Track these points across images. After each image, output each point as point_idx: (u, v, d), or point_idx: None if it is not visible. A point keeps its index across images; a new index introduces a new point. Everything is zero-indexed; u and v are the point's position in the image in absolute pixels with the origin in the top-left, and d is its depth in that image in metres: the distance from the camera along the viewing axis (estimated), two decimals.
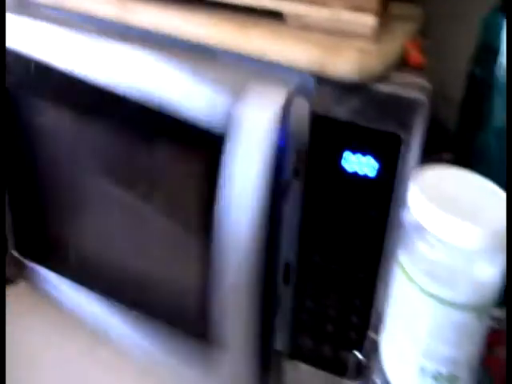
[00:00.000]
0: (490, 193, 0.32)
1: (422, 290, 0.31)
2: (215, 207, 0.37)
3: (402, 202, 0.37)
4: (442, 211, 0.29)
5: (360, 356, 0.43)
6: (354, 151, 0.37)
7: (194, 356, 0.48)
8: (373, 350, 0.43)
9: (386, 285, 0.41)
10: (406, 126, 0.35)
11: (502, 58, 0.40)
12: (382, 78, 0.35)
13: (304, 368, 0.49)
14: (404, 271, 0.33)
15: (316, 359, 0.48)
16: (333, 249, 0.42)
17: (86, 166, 0.49)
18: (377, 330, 0.43)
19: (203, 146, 0.38)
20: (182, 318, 0.50)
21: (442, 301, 0.31)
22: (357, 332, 0.45)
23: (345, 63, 0.32)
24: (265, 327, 0.44)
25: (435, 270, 0.31)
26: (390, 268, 0.41)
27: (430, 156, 0.37)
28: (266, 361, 0.47)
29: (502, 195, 0.31)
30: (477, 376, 0.35)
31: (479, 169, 0.42)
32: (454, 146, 0.48)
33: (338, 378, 0.48)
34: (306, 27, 0.35)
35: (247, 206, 0.35)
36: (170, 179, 0.44)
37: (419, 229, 0.31)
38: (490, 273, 0.30)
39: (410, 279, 0.32)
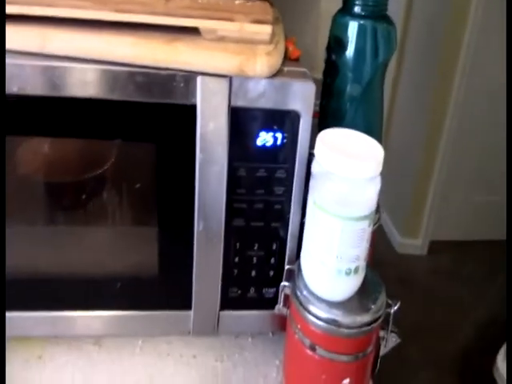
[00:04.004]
0: (367, 142, 0.50)
1: (333, 215, 0.48)
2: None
3: (304, 159, 0.53)
4: (341, 156, 0.46)
5: (287, 284, 0.58)
6: (266, 129, 0.52)
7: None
8: (291, 277, 0.59)
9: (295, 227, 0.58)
10: (303, 104, 0.51)
11: (349, 51, 0.58)
12: (279, 70, 0.51)
13: (236, 314, 0.62)
14: (318, 206, 0.50)
15: (245, 304, 0.62)
16: (253, 208, 0.56)
17: None
18: (292, 263, 0.60)
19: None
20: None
21: (347, 218, 0.48)
22: (275, 270, 0.61)
23: (261, 65, 0.47)
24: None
25: (341, 199, 0.48)
26: (295, 214, 0.57)
27: None
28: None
29: (375, 142, 0.50)
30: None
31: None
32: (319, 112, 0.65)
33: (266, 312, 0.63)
34: (220, 39, 0.48)
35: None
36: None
37: (325, 173, 0.48)
38: (374, 191, 0.49)
39: (323, 209, 0.49)
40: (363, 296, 0.54)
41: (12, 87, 0.47)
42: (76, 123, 0.50)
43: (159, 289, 0.60)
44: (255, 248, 0.59)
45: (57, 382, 0.59)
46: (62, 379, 0.59)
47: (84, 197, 0.54)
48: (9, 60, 0.46)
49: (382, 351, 0.58)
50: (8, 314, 0.58)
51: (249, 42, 0.48)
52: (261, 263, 0.60)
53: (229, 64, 0.47)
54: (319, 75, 0.63)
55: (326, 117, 0.62)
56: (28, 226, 0.57)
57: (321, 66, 0.62)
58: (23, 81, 0.47)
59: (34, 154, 0.52)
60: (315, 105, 0.53)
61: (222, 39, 0.48)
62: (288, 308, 0.59)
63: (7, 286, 0.56)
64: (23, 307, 0.59)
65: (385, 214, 2.49)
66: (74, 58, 0.47)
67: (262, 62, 0.47)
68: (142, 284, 0.59)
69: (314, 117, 0.53)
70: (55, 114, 0.50)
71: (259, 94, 0.50)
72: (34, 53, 0.47)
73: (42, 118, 0.50)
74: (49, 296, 0.59)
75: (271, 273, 0.61)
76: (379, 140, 0.57)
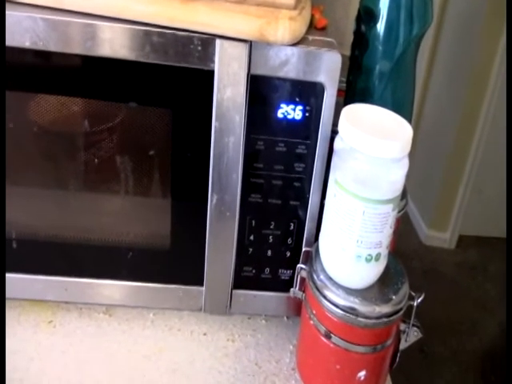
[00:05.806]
0: (396, 120, 0.45)
1: (355, 196, 0.44)
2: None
3: (327, 136, 0.49)
4: (367, 133, 0.41)
5: (304, 266, 0.54)
6: (288, 101, 0.47)
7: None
8: (308, 260, 0.55)
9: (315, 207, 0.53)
10: (328, 76, 0.46)
11: (380, 22, 0.53)
12: (303, 38, 0.46)
13: (250, 294, 0.59)
14: (340, 186, 0.45)
15: (259, 284, 0.58)
16: (271, 184, 0.52)
17: None
18: (310, 245, 0.55)
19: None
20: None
21: (370, 200, 0.43)
22: (291, 251, 0.57)
23: (283, 31, 0.42)
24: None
25: (364, 180, 0.43)
26: (315, 193, 0.53)
27: None
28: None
29: (404, 121, 0.45)
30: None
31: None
32: (346, 90, 0.60)
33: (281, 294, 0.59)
34: (241, 1, 0.44)
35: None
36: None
37: (349, 151, 0.43)
38: (400, 174, 0.43)
39: (345, 189, 0.44)
40: (384, 285, 0.50)
41: (24, 41, 0.44)
42: (89, 83, 0.47)
43: (171, 262, 0.57)
44: (271, 227, 0.55)
45: (66, 347, 0.57)
46: (71, 345, 0.57)
47: (97, 161, 0.51)
48: (21, 12, 0.43)
49: (403, 345, 0.53)
50: (22, 276, 0.57)
51: (271, 6, 0.44)
52: (277, 243, 0.56)
53: (249, 27, 0.42)
54: (348, 52, 0.58)
55: (353, 93, 0.57)
56: (43, 189, 0.54)
57: (350, 41, 0.57)
58: (35, 35, 0.44)
59: (43, 110, 0.49)
60: (340, 81, 0.48)
61: (243, 1, 0.44)
62: (304, 292, 0.55)
63: (22, 248, 0.55)
64: (37, 270, 0.57)
65: (412, 204, 2.41)
66: (89, 15, 0.44)
67: (284, 27, 0.42)
68: (154, 256, 0.57)
69: (338, 95, 0.48)
70: (67, 71, 0.46)
71: (281, 63, 0.45)
72: (49, 7, 0.43)
73: (53, 75, 0.47)
74: (62, 261, 0.57)
75: (288, 254, 0.57)
76: (409, 120, 0.52)
